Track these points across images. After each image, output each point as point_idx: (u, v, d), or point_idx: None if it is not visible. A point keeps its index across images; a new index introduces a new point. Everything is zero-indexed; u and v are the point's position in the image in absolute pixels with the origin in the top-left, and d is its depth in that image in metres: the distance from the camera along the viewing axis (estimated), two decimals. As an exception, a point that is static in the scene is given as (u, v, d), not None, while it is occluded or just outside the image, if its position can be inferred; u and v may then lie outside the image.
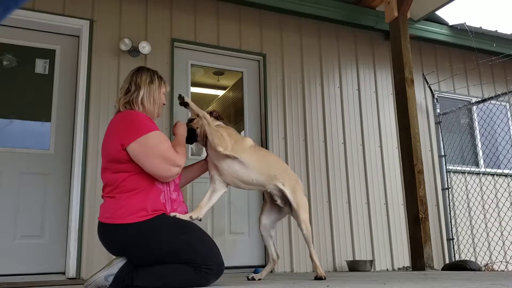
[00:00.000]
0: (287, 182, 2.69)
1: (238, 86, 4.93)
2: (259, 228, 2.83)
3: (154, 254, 2.15)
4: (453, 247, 5.19)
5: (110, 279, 2.17)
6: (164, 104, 2.53)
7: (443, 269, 4.44)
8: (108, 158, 2.26)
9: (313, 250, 2.74)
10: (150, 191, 2.22)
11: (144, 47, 4.18)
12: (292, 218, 4.41)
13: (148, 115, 2.37)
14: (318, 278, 2.68)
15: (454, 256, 5.14)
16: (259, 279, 2.75)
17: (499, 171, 5.73)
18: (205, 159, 2.64)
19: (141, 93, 2.37)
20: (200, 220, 2.37)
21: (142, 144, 2.18)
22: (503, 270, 5.09)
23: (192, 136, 2.57)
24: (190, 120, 2.64)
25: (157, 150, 2.20)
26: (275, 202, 2.74)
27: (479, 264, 4.71)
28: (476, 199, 5.47)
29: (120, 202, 2.18)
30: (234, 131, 2.64)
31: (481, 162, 5.81)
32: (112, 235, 2.21)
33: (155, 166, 2.19)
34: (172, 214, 2.25)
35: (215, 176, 2.54)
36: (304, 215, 2.72)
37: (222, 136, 2.45)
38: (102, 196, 2.29)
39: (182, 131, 2.50)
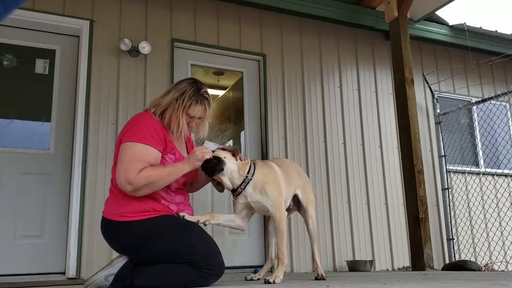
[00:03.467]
0: (300, 187, 2.73)
1: (238, 86, 4.93)
2: (269, 224, 2.83)
3: (154, 253, 2.16)
4: (453, 247, 5.18)
5: (110, 279, 2.18)
6: (184, 127, 2.30)
7: (443, 269, 4.44)
8: (115, 151, 2.32)
9: (316, 249, 2.75)
10: (152, 194, 2.22)
11: (144, 47, 4.18)
12: (291, 218, 4.44)
13: (166, 127, 2.32)
14: (318, 278, 2.68)
15: (454, 256, 5.14)
16: (258, 279, 2.75)
17: (499, 171, 5.72)
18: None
19: (162, 102, 2.33)
20: (205, 225, 2.36)
21: (125, 147, 2.20)
22: (503, 270, 5.09)
23: (215, 167, 2.27)
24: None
25: (127, 160, 2.17)
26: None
27: (479, 264, 4.71)
28: (476, 199, 5.47)
29: (125, 201, 2.20)
30: (271, 175, 2.44)
31: (481, 162, 5.81)
32: (114, 232, 2.24)
33: (118, 172, 2.18)
34: (181, 214, 2.26)
35: (243, 212, 2.46)
36: (311, 210, 2.78)
37: (282, 218, 2.39)
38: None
39: (190, 163, 2.23)
